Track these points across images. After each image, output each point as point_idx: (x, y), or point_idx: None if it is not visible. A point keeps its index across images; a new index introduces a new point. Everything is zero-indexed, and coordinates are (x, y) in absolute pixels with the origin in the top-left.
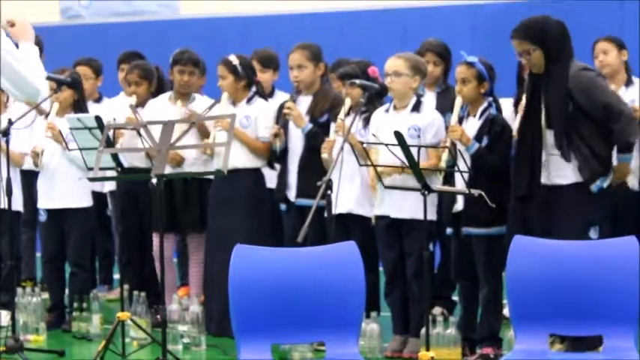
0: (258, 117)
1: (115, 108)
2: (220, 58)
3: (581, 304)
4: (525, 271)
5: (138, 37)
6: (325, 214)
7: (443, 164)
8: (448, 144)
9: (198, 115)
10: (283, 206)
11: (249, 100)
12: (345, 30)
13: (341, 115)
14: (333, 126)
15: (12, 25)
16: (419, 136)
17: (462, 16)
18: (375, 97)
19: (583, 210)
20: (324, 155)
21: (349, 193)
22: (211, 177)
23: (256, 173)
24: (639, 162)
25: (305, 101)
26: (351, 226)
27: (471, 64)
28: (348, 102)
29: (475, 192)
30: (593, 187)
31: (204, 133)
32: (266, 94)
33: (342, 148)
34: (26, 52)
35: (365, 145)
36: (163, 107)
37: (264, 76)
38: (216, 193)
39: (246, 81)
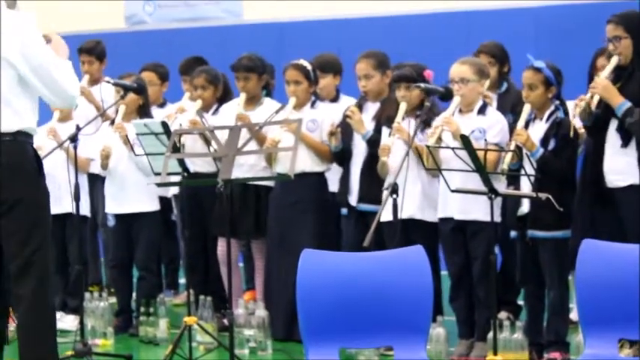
0: (324, 120)
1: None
2: (288, 63)
3: None
4: (594, 275)
5: (201, 42)
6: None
7: (505, 167)
8: (512, 147)
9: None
10: (344, 210)
11: (313, 104)
12: (407, 33)
13: (398, 119)
14: (385, 130)
15: (48, 40)
16: (485, 140)
17: (525, 18)
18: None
19: None
20: (383, 159)
21: (411, 198)
22: (269, 183)
23: (321, 177)
24: None
25: (372, 108)
26: (413, 231)
27: (538, 70)
28: (403, 106)
29: (543, 195)
30: None
31: (261, 139)
32: (325, 99)
33: (407, 153)
34: (63, 64)
35: (431, 149)
36: (234, 112)
37: (324, 81)
38: (280, 198)
39: (314, 86)
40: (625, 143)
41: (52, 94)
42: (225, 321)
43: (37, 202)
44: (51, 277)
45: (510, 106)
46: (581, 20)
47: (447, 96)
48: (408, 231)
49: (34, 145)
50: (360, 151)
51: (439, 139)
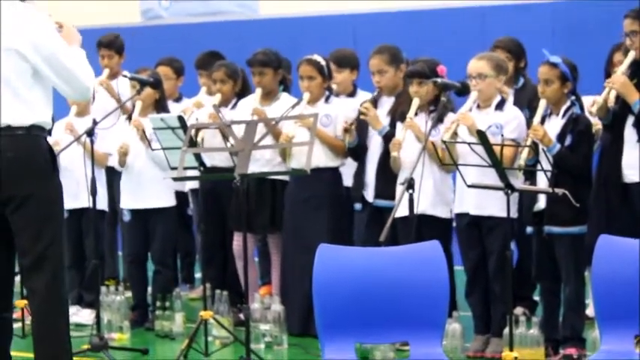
0: (338, 115)
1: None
2: (302, 58)
3: None
4: (611, 271)
5: (217, 37)
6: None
7: (522, 162)
8: (529, 142)
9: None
10: (358, 205)
11: (327, 99)
12: (423, 28)
13: (410, 114)
14: (399, 125)
15: (60, 27)
16: (502, 135)
17: (541, 13)
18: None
19: None
20: (394, 154)
21: (423, 193)
22: (284, 178)
23: (335, 172)
24: None
25: (387, 103)
26: (425, 226)
27: (554, 65)
28: (416, 101)
29: (559, 191)
30: None
31: (277, 134)
32: (342, 94)
33: (423, 148)
34: (75, 53)
35: (447, 144)
36: (252, 107)
37: (341, 76)
38: (295, 193)
39: (328, 81)
40: None
41: (65, 83)
42: (241, 315)
43: (49, 197)
44: (65, 271)
45: (527, 102)
46: (598, 16)
47: (463, 91)
48: (420, 226)
49: (51, 140)
50: (375, 146)
51: (455, 134)
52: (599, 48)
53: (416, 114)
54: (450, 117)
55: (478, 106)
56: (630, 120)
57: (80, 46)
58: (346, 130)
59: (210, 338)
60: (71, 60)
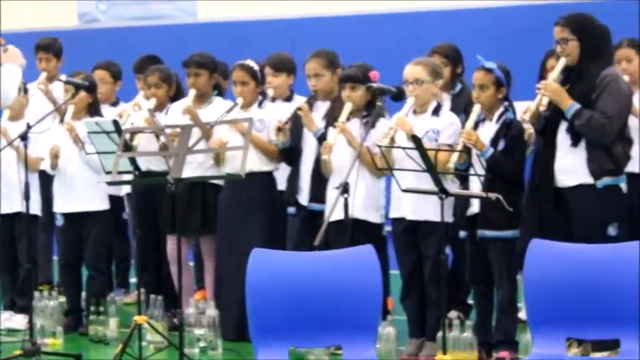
0: (271, 120)
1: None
2: (235, 64)
3: (599, 308)
4: (542, 274)
5: (156, 41)
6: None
7: (451, 165)
8: (460, 147)
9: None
10: (292, 209)
11: (260, 104)
12: (361, 33)
13: (342, 118)
14: (331, 130)
15: (5, 50)
16: (436, 140)
17: (477, 19)
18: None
19: (594, 209)
20: (325, 157)
21: (355, 198)
22: (218, 181)
23: (269, 176)
24: None
25: (323, 107)
26: (356, 231)
27: (489, 70)
28: (348, 106)
29: (492, 196)
30: (599, 184)
31: (207, 137)
32: (279, 98)
33: (358, 155)
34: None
35: (383, 149)
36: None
37: (278, 81)
38: (229, 198)
39: (261, 86)
40: (574, 143)
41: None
42: (176, 320)
43: None
44: None
45: (463, 107)
46: (533, 21)
47: (398, 96)
48: (351, 231)
49: None
50: (310, 150)
51: (392, 139)
52: (534, 53)
53: (348, 119)
54: (382, 122)
55: (414, 112)
56: (563, 125)
57: (20, 65)
58: (279, 129)
59: (144, 343)
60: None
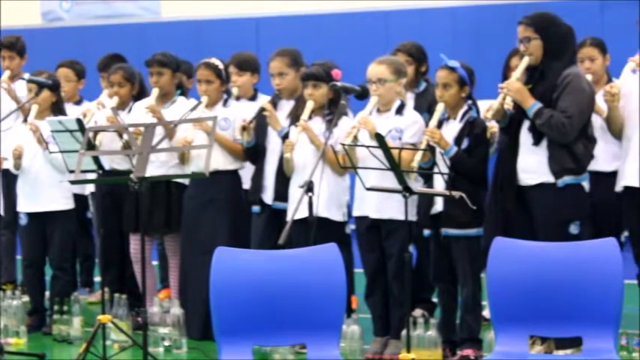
0: (236, 119)
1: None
2: (200, 62)
3: (561, 306)
4: (505, 272)
5: (119, 39)
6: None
7: (415, 164)
8: (423, 146)
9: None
10: (256, 208)
11: (225, 103)
12: (326, 32)
13: (304, 116)
14: (293, 128)
15: None
16: (400, 138)
17: (443, 17)
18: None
19: (556, 208)
20: (287, 155)
21: (318, 196)
22: (183, 180)
23: (234, 175)
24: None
25: (287, 105)
26: (319, 229)
27: (452, 69)
28: (310, 104)
29: (456, 194)
30: (560, 183)
31: (170, 137)
32: (243, 97)
33: (322, 154)
34: None
35: (347, 148)
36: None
37: (241, 80)
38: (193, 196)
39: (226, 84)
40: (536, 142)
41: None
42: (140, 319)
43: None
44: None
45: (427, 106)
46: (498, 20)
47: (363, 95)
48: (315, 229)
49: None
50: (274, 149)
51: (355, 138)
52: (498, 52)
53: (310, 117)
54: (345, 121)
55: (378, 110)
56: (526, 124)
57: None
58: (244, 128)
59: (108, 342)
60: None
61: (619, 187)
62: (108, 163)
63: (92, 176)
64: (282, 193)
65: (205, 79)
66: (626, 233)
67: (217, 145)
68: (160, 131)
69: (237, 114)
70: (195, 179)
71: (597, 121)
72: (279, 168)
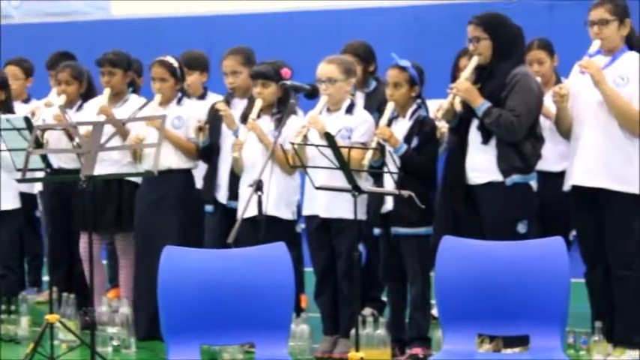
0: (189, 117)
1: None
2: (154, 60)
3: (509, 304)
4: (453, 271)
5: (69, 37)
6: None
7: (365, 163)
8: (374, 144)
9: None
10: (209, 207)
11: (179, 101)
12: (279, 31)
13: (253, 115)
14: (242, 127)
15: None
16: (349, 137)
17: (393, 17)
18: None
19: (504, 207)
20: (235, 154)
21: (267, 195)
22: (134, 179)
23: (187, 174)
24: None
25: (240, 104)
26: (268, 228)
27: (403, 68)
28: (259, 102)
29: (405, 193)
30: (508, 181)
31: (124, 135)
32: (192, 96)
33: (272, 153)
34: None
35: (296, 147)
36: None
37: (191, 78)
38: (145, 195)
39: (180, 83)
40: (485, 141)
41: None
42: (88, 318)
43: None
44: None
45: (377, 105)
46: (447, 20)
47: (312, 94)
48: (264, 228)
49: None
50: (229, 148)
51: (305, 137)
52: (447, 52)
53: (259, 116)
54: (293, 120)
55: (328, 110)
56: (475, 123)
57: None
58: (200, 129)
59: (56, 342)
60: None
61: (567, 187)
62: (55, 161)
63: (40, 175)
64: (236, 192)
65: (159, 77)
66: (574, 232)
67: (170, 143)
68: (108, 130)
69: (191, 113)
70: (147, 178)
71: (546, 122)
72: (233, 167)
